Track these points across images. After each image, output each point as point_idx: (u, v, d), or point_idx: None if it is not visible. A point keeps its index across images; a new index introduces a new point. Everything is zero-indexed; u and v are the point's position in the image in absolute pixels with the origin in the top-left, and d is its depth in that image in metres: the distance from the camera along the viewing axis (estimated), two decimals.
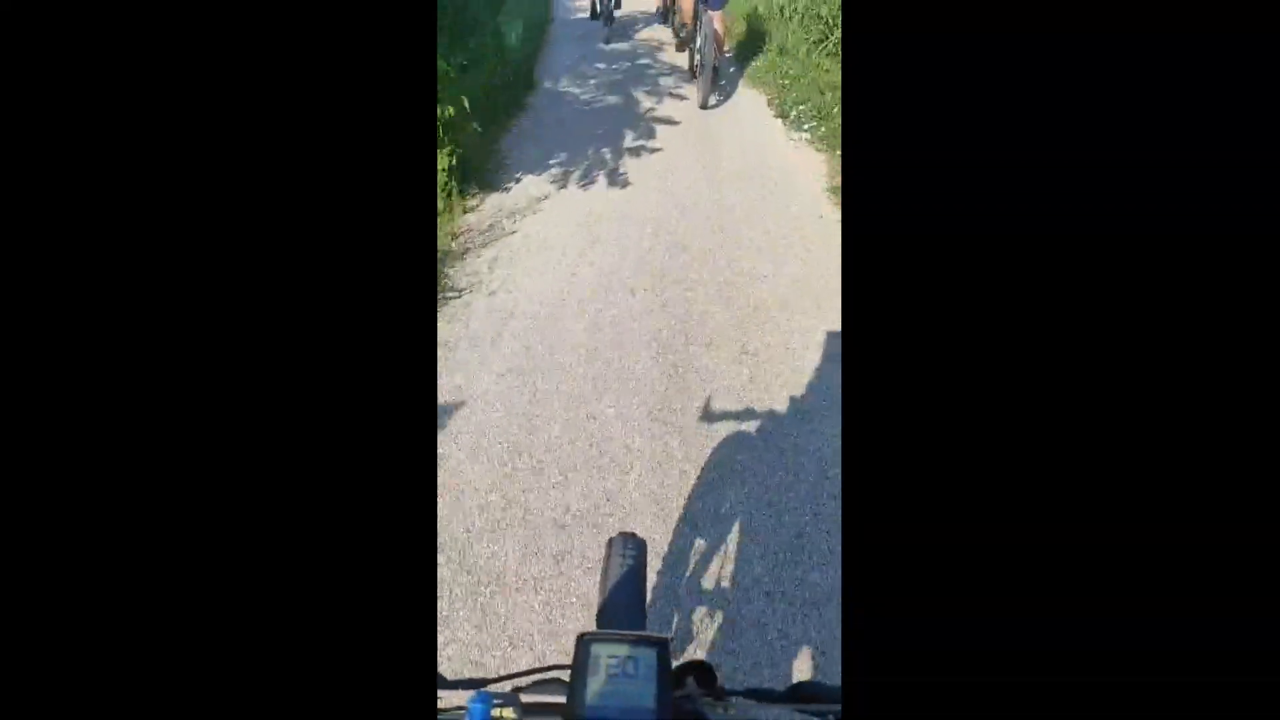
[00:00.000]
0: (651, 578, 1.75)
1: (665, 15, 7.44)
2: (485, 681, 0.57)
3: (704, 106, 5.66)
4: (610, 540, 0.93)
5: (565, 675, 0.54)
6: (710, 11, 5.57)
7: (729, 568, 1.85)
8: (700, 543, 1.92)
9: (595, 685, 0.50)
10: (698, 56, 5.66)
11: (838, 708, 0.55)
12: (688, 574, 1.84)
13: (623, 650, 0.52)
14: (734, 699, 0.57)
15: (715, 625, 1.70)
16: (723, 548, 1.90)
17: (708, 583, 1.80)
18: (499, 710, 0.51)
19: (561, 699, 0.52)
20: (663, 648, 0.52)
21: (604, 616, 0.82)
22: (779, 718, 0.56)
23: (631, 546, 0.91)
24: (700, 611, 1.74)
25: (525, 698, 0.54)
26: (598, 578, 0.93)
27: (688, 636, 1.69)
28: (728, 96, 5.92)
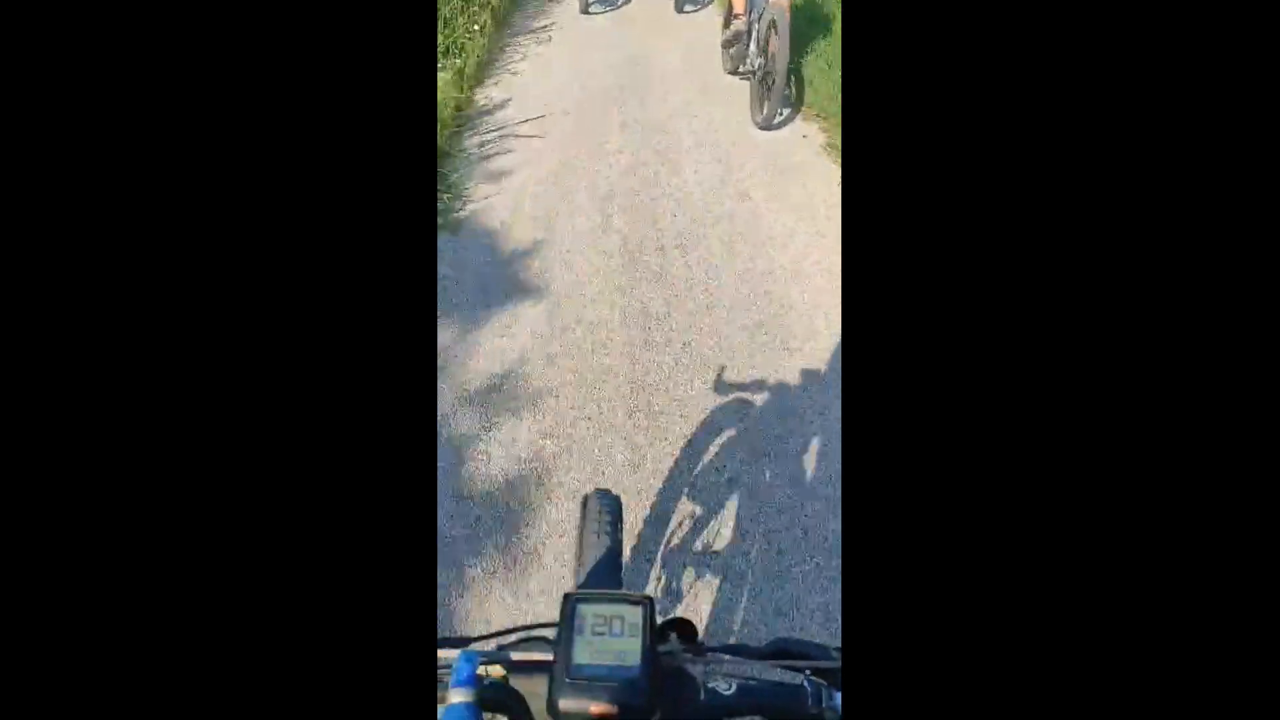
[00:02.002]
0: None
1: None
2: (472, 639, 0.58)
3: (766, 127, 3.90)
4: (585, 497, 0.99)
5: (551, 634, 0.55)
6: (777, 11, 3.77)
7: None
8: None
9: (582, 644, 0.51)
10: (754, 54, 3.92)
11: (815, 664, 0.57)
12: None
13: (608, 609, 0.53)
14: (714, 654, 0.58)
15: None
16: None
17: None
18: (486, 667, 0.52)
19: (548, 657, 0.53)
20: (647, 606, 0.53)
21: (584, 574, 0.86)
22: (757, 672, 0.57)
23: (607, 503, 0.96)
24: None
25: (515, 655, 0.56)
26: (575, 534, 0.99)
27: None
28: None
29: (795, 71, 4.39)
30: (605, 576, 0.86)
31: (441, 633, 1.46)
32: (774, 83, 3.65)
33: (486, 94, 4.42)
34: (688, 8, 5.61)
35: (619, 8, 5.68)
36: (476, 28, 4.76)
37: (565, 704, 0.49)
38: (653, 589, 1.71)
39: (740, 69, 4.17)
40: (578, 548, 0.92)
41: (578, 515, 0.98)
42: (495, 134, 3.95)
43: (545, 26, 5.31)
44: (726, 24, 4.33)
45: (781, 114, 4.00)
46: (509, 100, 4.29)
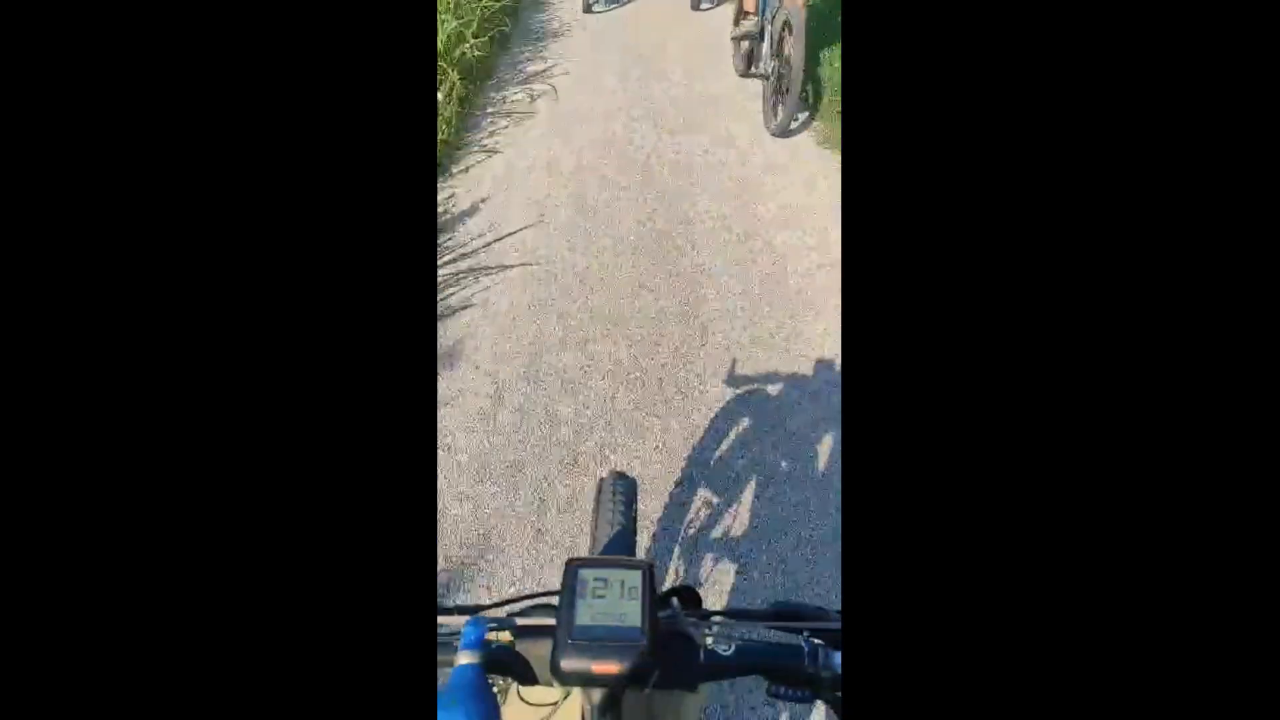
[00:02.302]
0: None
1: None
2: (480, 608, 0.59)
3: (781, 133, 3.74)
4: (601, 480, 1.00)
5: (555, 601, 0.55)
6: (791, 10, 3.59)
7: None
8: None
9: (584, 607, 0.52)
10: (767, 56, 3.76)
11: (814, 625, 0.58)
12: None
13: (610, 573, 0.54)
14: (717, 618, 0.59)
15: None
16: None
17: None
18: (494, 633, 0.54)
19: (553, 622, 0.53)
20: (647, 570, 0.54)
21: (597, 552, 0.89)
22: (759, 635, 0.57)
23: (623, 486, 0.98)
24: None
25: (521, 620, 0.57)
26: (590, 516, 1.10)
27: None
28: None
29: (811, 75, 4.22)
30: (616, 550, 0.87)
31: (455, 600, 1.51)
32: (789, 88, 3.49)
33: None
34: (704, 5, 5.42)
35: (623, 5, 5.51)
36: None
37: (567, 664, 0.50)
38: (670, 577, 1.72)
39: (753, 70, 4.00)
40: (592, 528, 0.93)
41: (593, 496, 0.99)
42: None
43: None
44: (736, 20, 4.13)
45: (797, 119, 3.83)
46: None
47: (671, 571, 1.74)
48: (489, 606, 0.61)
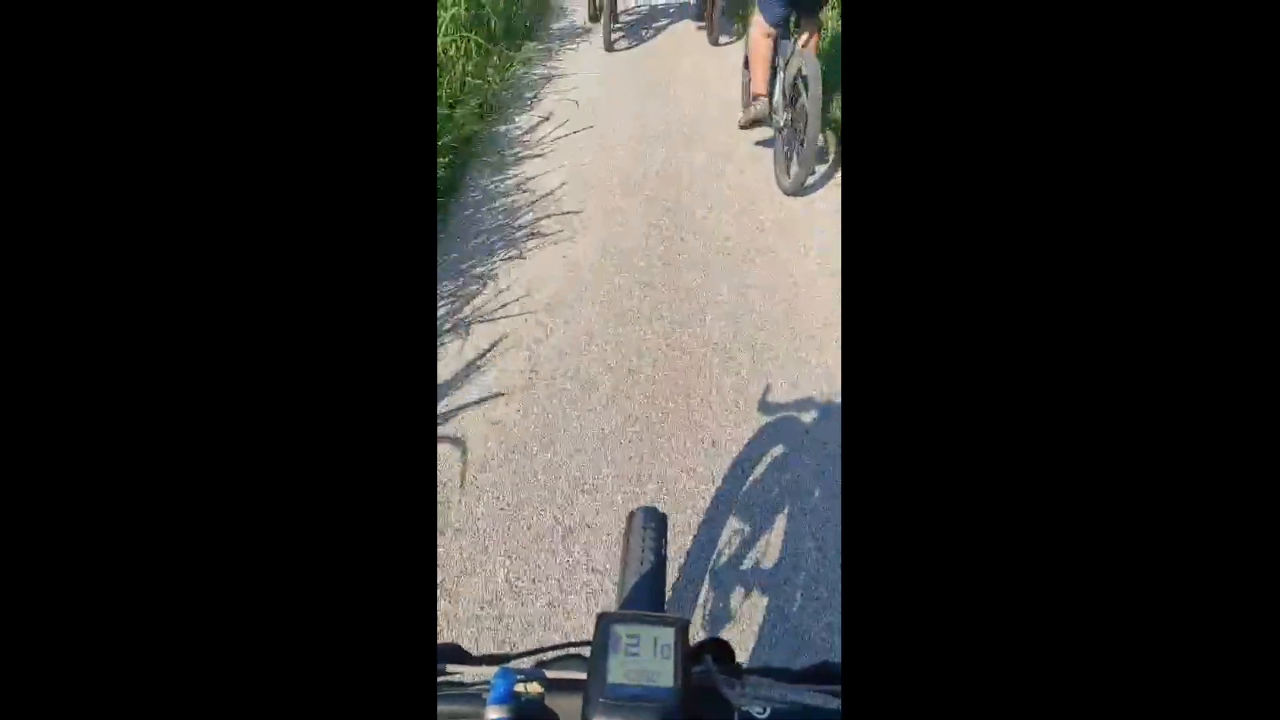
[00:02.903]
0: None
1: (700, 9, 5.11)
2: (509, 657, 0.59)
3: (795, 191, 3.37)
4: (631, 514, 0.96)
5: (586, 651, 0.55)
6: (803, 37, 3.27)
7: None
8: None
9: (616, 664, 0.51)
10: (779, 106, 3.40)
11: None
12: None
13: (642, 630, 0.53)
14: (751, 677, 0.57)
15: None
16: None
17: None
18: (524, 685, 0.52)
19: (583, 675, 0.52)
20: (681, 627, 0.53)
21: (625, 593, 0.85)
22: (794, 696, 0.54)
23: (653, 522, 0.94)
24: None
25: (551, 673, 0.55)
26: (618, 553, 0.98)
27: None
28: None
29: (829, 123, 3.85)
30: (647, 595, 0.85)
31: (483, 649, 1.50)
32: (805, 140, 3.12)
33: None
34: (724, 39, 5.08)
35: (646, 41, 5.16)
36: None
37: None
38: (700, 607, 1.68)
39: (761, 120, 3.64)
40: (621, 565, 0.92)
41: (622, 531, 0.98)
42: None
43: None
44: (745, 104, 3.74)
45: (815, 173, 3.46)
46: None
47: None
48: (518, 656, 0.59)
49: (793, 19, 3.33)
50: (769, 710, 0.52)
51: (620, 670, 0.50)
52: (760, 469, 2.05)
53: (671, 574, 1.70)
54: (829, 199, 3.37)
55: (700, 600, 1.70)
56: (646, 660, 0.51)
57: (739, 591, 1.72)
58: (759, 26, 3.33)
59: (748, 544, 1.84)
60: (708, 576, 1.76)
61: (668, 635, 0.52)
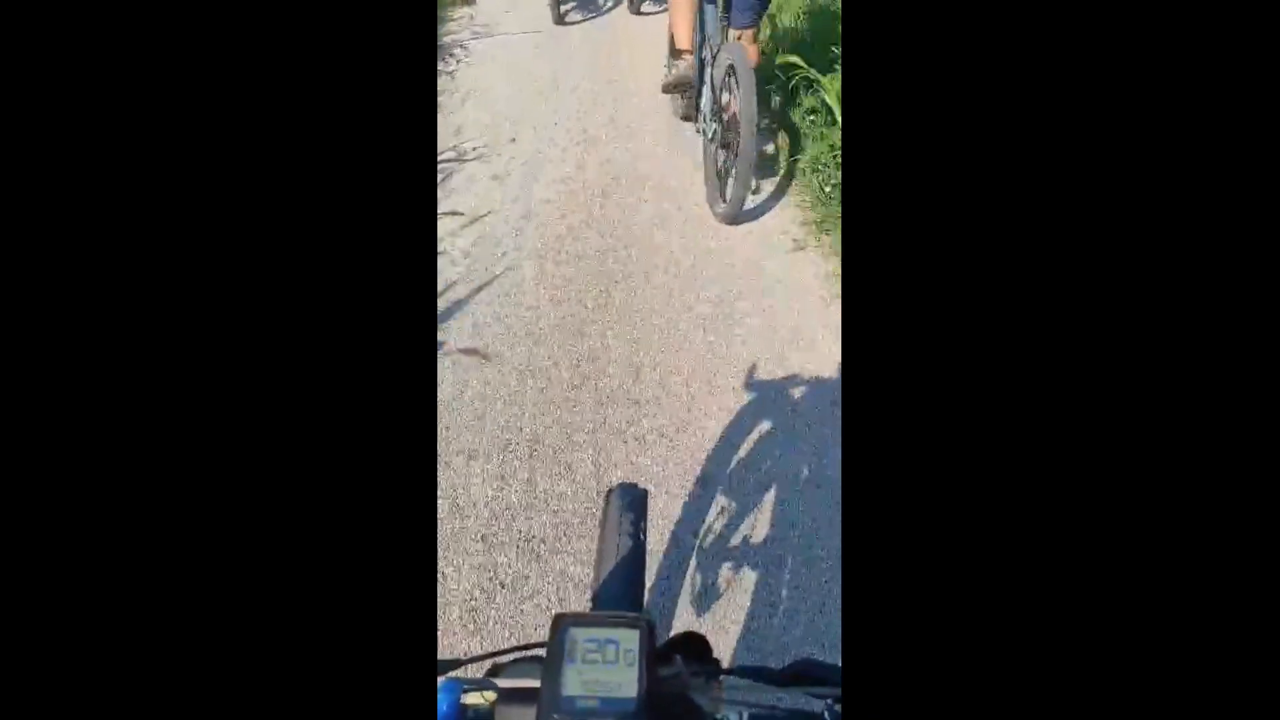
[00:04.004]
0: None
1: None
2: (457, 663, 0.53)
3: (731, 221, 2.69)
4: (609, 490, 0.89)
5: (544, 653, 0.50)
6: (736, 30, 2.57)
7: None
8: None
9: (572, 673, 0.46)
10: (706, 113, 2.70)
11: (838, 691, 0.51)
12: None
13: (602, 633, 0.47)
14: (728, 678, 0.54)
15: None
16: None
17: None
18: (474, 696, 0.49)
19: (539, 684, 0.47)
20: (646, 628, 0.48)
21: (604, 574, 0.77)
22: (774, 700, 0.51)
23: (631, 498, 0.87)
24: None
25: (503, 682, 0.51)
26: (596, 531, 0.94)
27: None
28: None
29: (788, 127, 3.15)
30: (625, 580, 0.75)
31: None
32: (739, 154, 2.43)
33: None
34: (647, 7, 4.47)
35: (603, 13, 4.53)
36: None
37: None
38: (687, 586, 1.56)
39: (695, 123, 2.94)
40: (598, 545, 0.83)
41: (599, 510, 0.90)
42: None
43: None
44: (669, 64, 3.03)
45: (755, 189, 2.77)
46: None
47: None
48: (467, 662, 0.53)
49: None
50: (746, 715, 0.48)
51: (577, 680, 0.45)
52: (747, 443, 1.87)
53: (656, 553, 1.59)
54: (778, 227, 2.69)
55: (686, 577, 1.56)
56: (607, 667, 0.46)
57: (726, 568, 1.59)
58: None
59: (734, 520, 1.69)
60: (694, 554, 1.61)
61: (631, 639, 0.47)
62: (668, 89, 2.93)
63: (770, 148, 3.10)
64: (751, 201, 2.72)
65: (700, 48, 2.73)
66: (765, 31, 3.40)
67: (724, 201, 2.63)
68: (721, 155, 2.62)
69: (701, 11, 2.69)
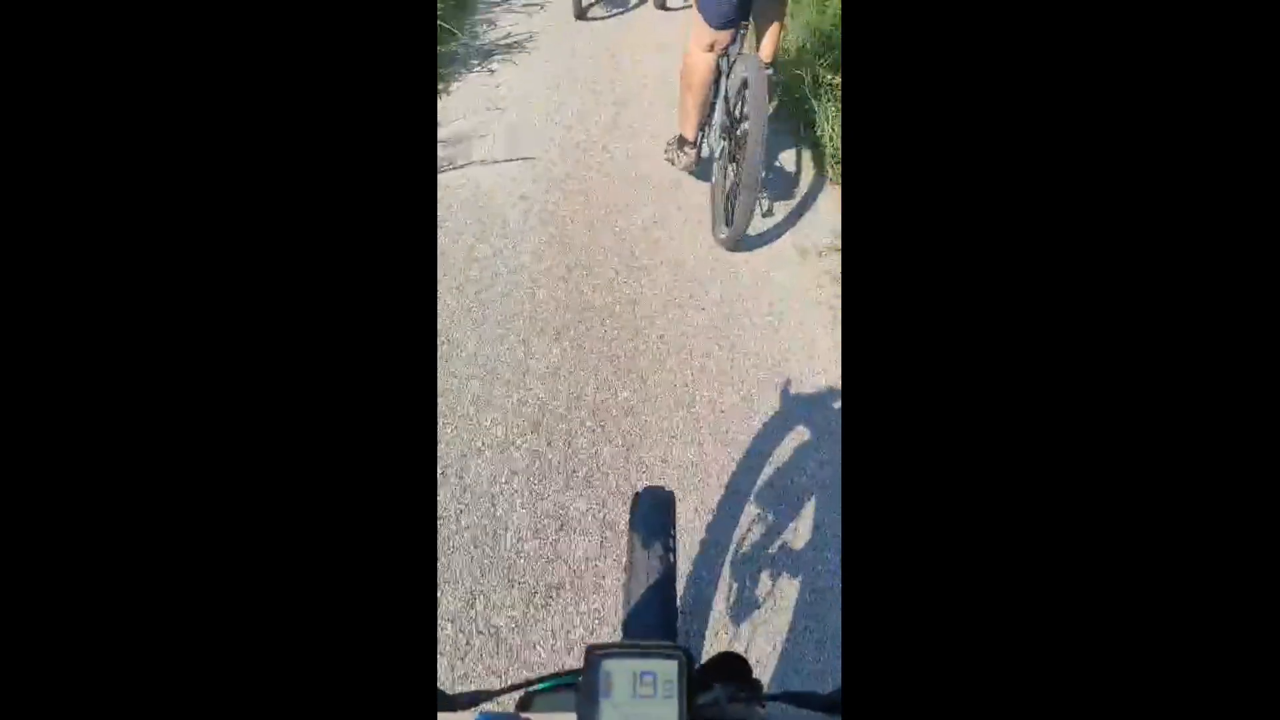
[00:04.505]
0: None
1: None
2: (490, 695, 0.52)
3: (733, 247, 2.48)
4: (635, 495, 0.89)
5: (574, 681, 0.50)
6: (749, 64, 2.24)
7: None
8: None
9: (609, 709, 0.44)
10: (717, 128, 2.48)
11: None
12: None
13: (638, 664, 0.45)
14: (770, 703, 0.51)
15: None
16: None
17: None
18: None
19: (572, 716, 0.46)
20: (684, 658, 0.46)
21: (634, 584, 0.77)
22: None
23: (658, 502, 0.86)
24: None
25: (536, 717, 0.50)
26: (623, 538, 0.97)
27: None
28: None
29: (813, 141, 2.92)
30: (658, 601, 0.74)
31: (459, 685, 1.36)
32: (745, 176, 2.23)
33: None
34: (673, 1, 4.17)
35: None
36: None
37: None
38: (724, 595, 1.50)
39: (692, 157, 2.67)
40: (627, 552, 0.81)
41: (627, 515, 0.91)
42: None
43: None
44: (674, 152, 2.68)
45: (764, 207, 2.56)
46: None
47: None
48: (500, 693, 0.52)
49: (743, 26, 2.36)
50: None
51: (615, 716, 0.43)
52: (781, 450, 1.82)
53: (687, 560, 1.54)
54: (785, 255, 2.47)
55: (722, 590, 1.51)
56: (645, 701, 0.44)
57: (764, 579, 1.55)
58: (697, 38, 2.33)
59: (772, 528, 1.65)
60: (727, 565, 1.56)
61: (670, 670, 0.45)
62: (671, 157, 2.72)
63: (791, 163, 2.88)
64: (763, 225, 2.52)
65: (713, 85, 2.47)
66: (788, 35, 3.14)
67: (727, 227, 2.42)
68: (730, 177, 2.41)
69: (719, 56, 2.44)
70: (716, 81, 2.43)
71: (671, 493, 0.90)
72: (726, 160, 2.41)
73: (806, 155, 2.93)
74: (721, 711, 0.47)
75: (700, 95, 2.42)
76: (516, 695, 0.53)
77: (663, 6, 4.17)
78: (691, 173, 2.67)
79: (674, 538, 0.82)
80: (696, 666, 0.50)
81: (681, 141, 2.59)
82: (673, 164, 2.68)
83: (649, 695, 0.44)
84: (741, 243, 2.43)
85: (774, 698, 0.51)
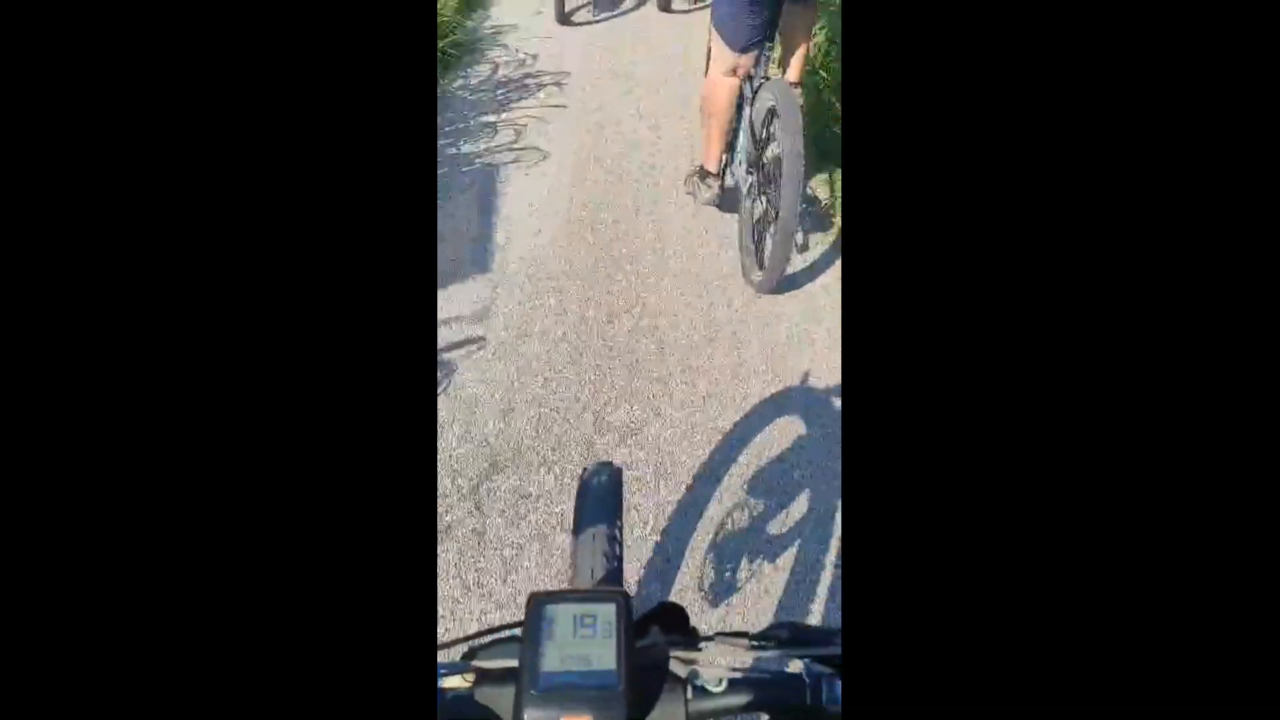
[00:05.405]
0: None
1: None
2: (435, 647, 0.51)
3: (770, 291, 2.20)
4: (584, 470, 0.92)
5: (520, 632, 0.50)
6: (776, 89, 1.97)
7: None
8: None
9: (551, 649, 0.46)
10: (744, 159, 2.20)
11: (818, 651, 0.51)
12: None
13: (579, 608, 0.47)
14: (707, 644, 0.52)
15: None
16: None
17: None
18: (453, 679, 0.48)
19: (517, 663, 0.47)
20: (622, 601, 0.48)
21: (579, 559, 0.81)
22: (753, 665, 0.51)
23: (604, 479, 0.88)
24: None
25: (481, 663, 0.50)
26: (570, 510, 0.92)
27: None
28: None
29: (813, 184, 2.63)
30: (603, 559, 0.78)
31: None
32: (780, 212, 1.95)
33: None
34: (678, 4, 3.80)
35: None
36: None
37: (533, 716, 0.44)
38: (699, 578, 1.53)
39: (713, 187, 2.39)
40: (574, 527, 0.84)
41: (574, 492, 0.91)
42: None
43: None
44: (692, 184, 2.40)
45: (803, 245, 2.28)
46: None
47: None
48: (445, 645, 0.52)
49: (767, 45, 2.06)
50: (724, 682, 0.48)
51: (556, 655, 0.45)
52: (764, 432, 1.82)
53: (673, 542, 1.58)
54: (825, 303, 2.20)
55: (702, 571, 1.55)
56: (585, 642, 0.46)
57: (744, 561, 1.57)
58: (718, 61, 2.05)
59: (753, 511, 1.67)
60: (708, 544, 1.59)
61: (608, 612, 0.47)
62: (689, 189, 2.42)
63: (822, 186, 2.59)
64: (801, 261, 2.24)
65: (737, 111, 2.19)
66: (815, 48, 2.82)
67: (759, 270, 2.15)
68: (758, 212, 2.13)
69: (739, 112, 2.15)
70: (740, 107, 2.15)
71: (620, 468, 0.91)
72: (755, 194, 2.13)
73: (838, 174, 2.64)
74: (661, 653, 0.49)
75: (723, 122, 2.15)
76: (465, 646, 0.52)
77: (666, 9, 3.79)
78: (715, 204, 2.38)
79: (621, 510, 0.84)
80: (647, 615, 0.52)
81: (704, 173, 2.31)
82: (694, 198, 2.40)
83: (589, 636, 0.45)
84: (774, 286, 2.16)
85: (706, 637, 0.52)
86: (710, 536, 1.61)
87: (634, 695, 0.44)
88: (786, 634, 0.52)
